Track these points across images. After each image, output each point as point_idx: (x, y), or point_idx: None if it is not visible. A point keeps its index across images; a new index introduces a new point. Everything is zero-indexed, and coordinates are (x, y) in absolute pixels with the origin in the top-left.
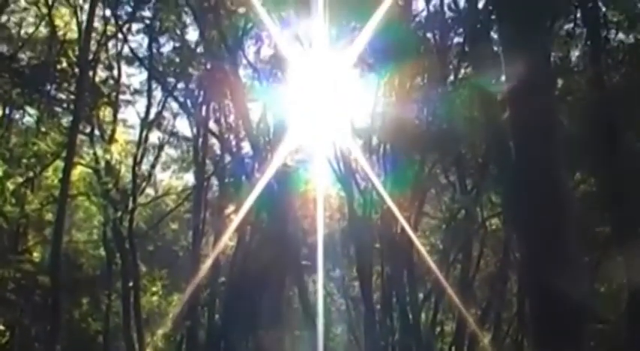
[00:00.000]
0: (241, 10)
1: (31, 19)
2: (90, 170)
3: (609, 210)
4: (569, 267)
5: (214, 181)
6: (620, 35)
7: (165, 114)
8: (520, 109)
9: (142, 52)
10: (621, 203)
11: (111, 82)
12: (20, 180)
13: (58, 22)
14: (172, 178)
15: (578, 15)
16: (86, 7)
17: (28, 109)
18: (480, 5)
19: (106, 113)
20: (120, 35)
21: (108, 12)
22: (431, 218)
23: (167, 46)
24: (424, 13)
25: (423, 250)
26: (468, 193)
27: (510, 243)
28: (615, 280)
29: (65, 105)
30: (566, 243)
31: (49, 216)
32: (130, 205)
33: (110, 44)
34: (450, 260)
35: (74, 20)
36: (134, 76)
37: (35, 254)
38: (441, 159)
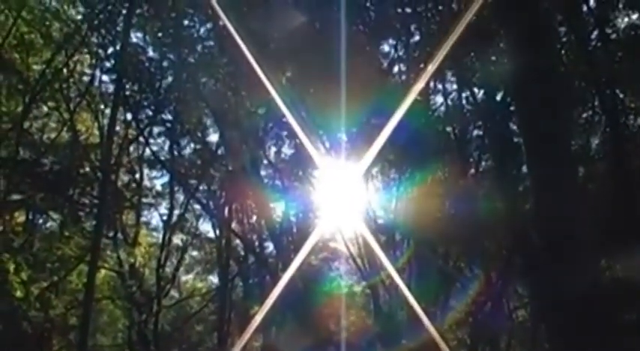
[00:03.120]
0: (261, 110)
1: (53, 125)
2: (114, 274)
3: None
4: None
5: (238, 282)
6: (639, 121)
7: (188, 216)
8: (544, 198)
9: (164, 154)
10: None
11: (133, 185)
12: (45, 284)
13: (79, 127)
14: (196, 280)
15: (597, 102)
16: (107, 111)
17: (52, 213)
18: (498, 98)
19: (129, 217)
20: (141, 139)
21: (129, 116)
22: (457, 312)
23: (188, 149)
24: (442, 108)
25: (449, 346)
26: (493, 285)
27: (539, 334)
28: None
29: (88, 209)
30: (596, 335)
31: (74, 320)
32: (155, 307)
33: (132, 148)
34: None
35: (96, 125)
36: (156, 179)
37: None
38: (465, 252)
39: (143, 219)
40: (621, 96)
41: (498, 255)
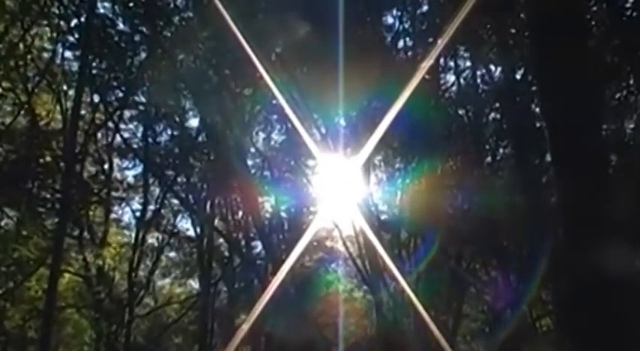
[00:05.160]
0: (247, 91)
1: (8, 108)
2: (79, 278)
3: None
4: None
5: (222, 287)
6: None
7: (164, 212)
8: (570, 190)
9: (136, 142)
10: None
11: (101, 177)
12: None
13: (39, 110)
14: (174, 285)
15: (632, 81)
16: (71, 92)
17: (7, 210)
18: (518, 76)
19: (96, 213)
20: (110, 124)
21: (96, 98)
22: (472, 321)
23: (164, 135)
24: (454, 88)
25: None
26: (513, 289)
27: (564, 347)
28: None
29: (50, 205)
30: (629, 346)
31: (33, 332)
32: (126, 317)
33: (100, 134)
34: None
35: (58, 108)
36: (128, 170)
37: None
38: (481, 252)
39: (113, 216)
40: None
41: (518, 255)
